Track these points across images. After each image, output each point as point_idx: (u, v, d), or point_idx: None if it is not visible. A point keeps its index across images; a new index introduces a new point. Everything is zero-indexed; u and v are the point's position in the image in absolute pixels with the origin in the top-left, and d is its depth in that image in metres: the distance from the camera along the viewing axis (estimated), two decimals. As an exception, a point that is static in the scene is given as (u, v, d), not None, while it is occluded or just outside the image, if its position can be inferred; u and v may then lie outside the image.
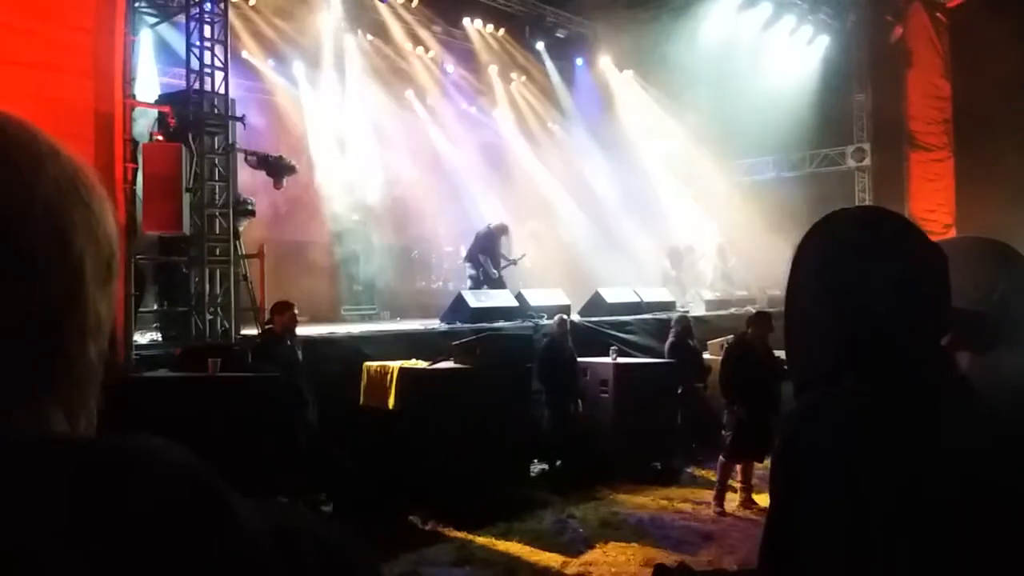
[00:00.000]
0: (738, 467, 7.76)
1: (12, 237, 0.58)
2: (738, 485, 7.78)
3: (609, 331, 10.45)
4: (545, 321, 9.97)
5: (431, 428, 7.45)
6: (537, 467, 8.91)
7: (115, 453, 0.56)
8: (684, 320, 9.80)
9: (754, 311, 12.76)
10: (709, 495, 7.80)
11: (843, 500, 1.10)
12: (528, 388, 8.60)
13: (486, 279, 12.08)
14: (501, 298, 10.76)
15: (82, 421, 0.63)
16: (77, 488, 0.52)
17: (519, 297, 10.90)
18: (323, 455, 7.24)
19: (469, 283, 12.19)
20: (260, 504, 0.59)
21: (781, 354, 8.77)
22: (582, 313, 11.27)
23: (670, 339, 9.50)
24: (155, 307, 9.04)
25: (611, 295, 11.68)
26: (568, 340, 9.09)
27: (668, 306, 12.27)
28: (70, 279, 0.61)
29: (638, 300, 11.90)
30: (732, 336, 10.18)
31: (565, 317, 9.39)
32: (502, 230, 12.51)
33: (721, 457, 7.74)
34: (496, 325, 9.74)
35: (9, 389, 0.58)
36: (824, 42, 16.24)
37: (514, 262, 12.60)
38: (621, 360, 9.29)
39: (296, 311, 7.49)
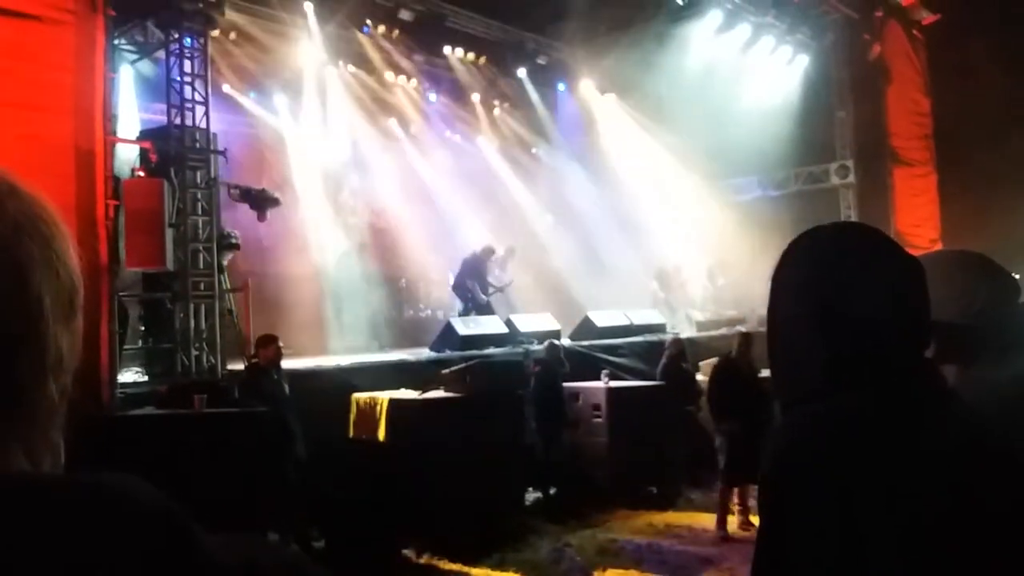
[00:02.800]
0: (735, 489, 7.70)
1: None
2: (735, 508, 7.72)
3: (600, 355, 10.40)
4: (535, 347, 9.93)
5: (423, 459, 7.37)
6: (532, 495, 8.81)
7: (80, 491, 0.55)
8: (678, 343, 9.76)
9: (743, 331, 12.82)
10: (706, 519, 7.73)
11: (833, 517, 1.09)
12: (520, 415, 8.53)
13: (475, 305, 12.04)
14: (490, 325, 10.72)
15: (46, 459, 0.62)
16: (38, 525, 0.51)
17: (508, 323, 10.85)
18: (313, 489, 7.14)
19: (459, 310, 12.15)
20: (229, 538, 0.58)
21: (766, 373, 8.71)
22: (572, 337, 11.23)
23: (663, 361, 9.46)
24: (139, 344, 8.96)
25: (601, 318, 11.65)
26: (563, 365, 9.02)
27: (658, 328, 12.25)
28: (28, 315, 0.61)
29: (628, 323, 11.87)
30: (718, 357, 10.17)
31: (556, 342, 9.36)
32: (488, 252, 12.49)
33: (720, 483, 7.69)
34: (486, 352, 9.69)
35: None
36: (803, 61, 16.38)
37: (501, 289, 12.56)
38: (614, 384, 9.24)
39: (281, 344, 7.42)
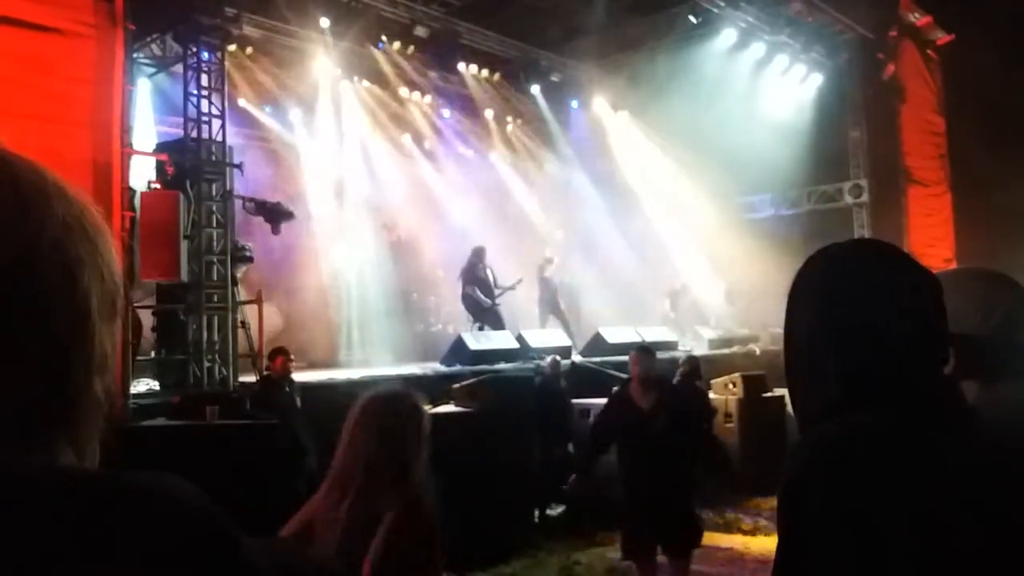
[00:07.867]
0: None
1: (22, 273, 0.59)
2: None
3: (611, 372, 10.36)
4: (546, 362, 9.90)
5: (431, 474, 7.32)
6: (541, 513, 8.75)
7: (129, 487, 0.57)
8: (692, 360, 9.66)
9: (757, 349, 12.73)
10: (718, 538, 7.63)
11: (854, 535, 1.07)
12: (531, 430, 8.49)
13: (478, 312, 11.90)
14: (501, 340, 10.71)
15: (87, 457, 0.64)
16: (90, 519, 0.53)
17: (519, 338, 10.84)
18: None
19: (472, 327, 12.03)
20: (266, 542, 0.60)
21: (778, 392, 8.54)
22: (583, 353, 11.20)
23: (676, 378, 9.36)
24: (152, 355, 9.00)
25: (612, 335, 11.62)
26: (560, 381, 8.99)
27: (670, 346, 12.20)
28: (77, 315, 0.62)
29: (640, 340, 11.80)
30: (738, 374, 10.11)
31: (558, 359, 9.34)
32: (480, 253, 12.19)
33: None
34: (496, 367, 9.68)
35: (18, 423, 0.59)
36: (817, 80, 16.39)
37: (512, 287, 12.42)
38: (625, 401, 9.17)
39: (292, 357, 7.44)
